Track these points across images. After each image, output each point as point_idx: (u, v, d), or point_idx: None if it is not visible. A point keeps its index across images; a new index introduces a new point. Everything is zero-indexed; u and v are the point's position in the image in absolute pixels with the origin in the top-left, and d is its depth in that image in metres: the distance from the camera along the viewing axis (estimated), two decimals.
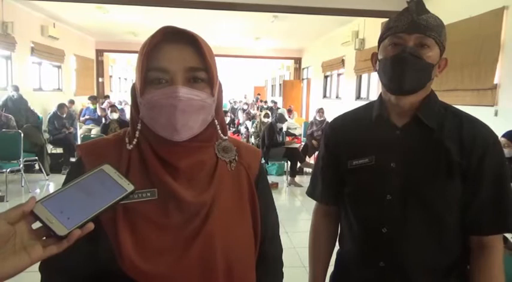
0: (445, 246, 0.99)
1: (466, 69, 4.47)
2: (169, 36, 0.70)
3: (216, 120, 0.77)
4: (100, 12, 7.89)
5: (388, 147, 1.01)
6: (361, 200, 1.06)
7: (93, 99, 8.94)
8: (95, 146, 0.77)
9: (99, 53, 12.89)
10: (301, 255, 3.32)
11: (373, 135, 1.05)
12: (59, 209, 0.55)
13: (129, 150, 0.74)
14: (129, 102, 0.80)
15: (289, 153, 6.24)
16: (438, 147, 0.97)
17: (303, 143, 7.56)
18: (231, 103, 15.95)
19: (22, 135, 5.17)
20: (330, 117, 7.18)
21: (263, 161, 5.86)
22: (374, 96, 7.30)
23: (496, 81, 4.14)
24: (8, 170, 4.94)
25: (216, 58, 0.76)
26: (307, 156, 7.11)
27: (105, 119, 7.34)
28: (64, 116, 6.90)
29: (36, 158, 5.82)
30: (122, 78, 18.72)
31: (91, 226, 0.55)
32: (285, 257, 0.92)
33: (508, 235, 2.38)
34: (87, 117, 8.57)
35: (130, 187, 0.61)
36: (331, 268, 1.19)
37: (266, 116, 7.25)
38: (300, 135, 8.41)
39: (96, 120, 8.30)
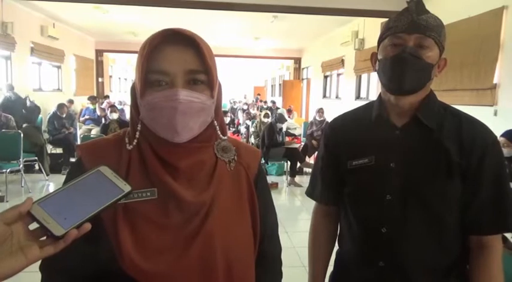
0: (445, 246, 0.99)
1: (465, 69, 4.47)
2: (170, 38, 0.70)
3: (215, 121, 0.78)
4: (99, 12, 7.89)
5: (387, 147, 1.01)
6: (361, 200, 1.06)
7: (93, 99, 8.94)
8: (95, 146, 0.77)
9: (99, 53, 12.90)
10: (301, 255, 3.33)
11: (372, 135, 1.05)
12: (55, 209, 0.55)
13: (129, 150, 0.74)
14: (129, 102, 0.80)
15: (289, 153, 6.25)
16: (438, 147, 0.97)
17: (303, 143, 7.57)
18: (231, 103, 15.96)
19: (22, 135, 5.17)
20: (329, 117, 7.18)
21: (263, 161, 5.87)
22: (374, 96, 7.29)
23: (495, 81, 4.14)
24: (7, 170, 4.94)
25: (215, 58, 0.76)
26: (307, 156, 7.11)
27: (105, 119, 7.34)
28: (64, 116, 6.90)
29: (36, 158, 5.82)
30: (122, 78, 18.73)
31: (88, 226, 0.55)
32: (285, 257, 0.92)
33: (507, 235, 2.39)
34: (86, 117, 8.57)
35: (127, 188, 0.61)
36: (330, 268, 1.19)
37: (266, 116, 7.26)
38: (300, 135, 8.42)
39: (96, 121, 8.30)
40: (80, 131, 7.82)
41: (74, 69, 10.77)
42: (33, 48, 8.07)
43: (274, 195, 0.93)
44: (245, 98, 19.28)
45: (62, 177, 5.66)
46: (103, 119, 7.76)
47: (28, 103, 7.17)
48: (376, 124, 1.05)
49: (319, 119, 7.47)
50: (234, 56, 13.32)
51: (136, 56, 0.74)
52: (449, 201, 0.97)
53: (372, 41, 7.18)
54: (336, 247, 1.19)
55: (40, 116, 7.87)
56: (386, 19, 1.03)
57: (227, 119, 9.96)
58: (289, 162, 6.23)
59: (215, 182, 0.76)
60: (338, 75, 9.91)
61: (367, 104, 1.14)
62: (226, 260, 0.72)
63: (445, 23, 0.99)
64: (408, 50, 0.94)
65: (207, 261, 0.71)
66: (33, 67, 8.49)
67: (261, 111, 9.43)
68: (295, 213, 4.94)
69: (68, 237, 0.54)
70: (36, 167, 6.06)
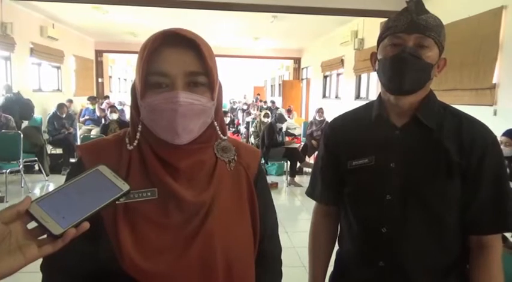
0: (445, 246, 0.99)
1: (465, 68, 4.48)
2: (170, 39, 0.69)
3: (215, 122, 0.78)
4: (99, 13, 7.89)
5: (387, 148, 1.01)
6: (361, 200, 1.06)
7: (93, 99, 8.94)
8: (95, 146, 0.78)
9: (99, 53, 12.89)
10: (301, 255, 3.33)
11: (372, 135, 1.05)
12: (54, 208, 0.55)
13: (129, 150, 0.75)
14: (129, 103, 0.80)
15: (289, 153, 6.25)
16: (437, 147, 0.97)
17: (303, 143, 7.57)
18: (230, 103, 15.96)
19: (22, 135, 5.17)
20: (329, 117, 7.18)
21: (262, 161, 5.87)
22: (373, 96, 7.30)
23: (494, 80, 4.14)
24: (7, 171, 4.94)
25: (215, 58, 0.76)
26: (306, 156, 7.11)
27: (105, 120, 7.33)
28: (64, 116, 6.89)
29: (36, 158, 5.82)
30: (122, 79, 18.72)
31: (86, 225, 0.56)
32: (285, 257, 0.92)
33: (507, 234, 2.39)
34: (86, 117, 8.57)
35: (125, 187, 0.61)
36: (330, 268, 1.20)
37: (266, 116, 7.26)
38: (300, 135, 8.42)
39: (96, 121, 8.30)
40: (79, 131, 7.82)
41: (73, 70, 10.76)
42: (32, 48, 8.06)
43: (274, 195, 0.93)
44: (245, 98, 19.27)
45: (61, 178, 5.67)
46: (103, 120, 7.76)
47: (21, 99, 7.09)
48: (376, 124, 1.05)
49: (318, 119, 7.48)
50: (234, 56, 13.31)
51: (136, 56, 0.73)
52: (449, 201, 0.97)
53: (371, 40, 7.18)
54: (336, 247, 1.20)
55: (40, 116, 7.87)
56: (386, 19, 1.03)
57: (227, 119, 9.96)
58: (289, 162, 6.23)
59: (215, 182, 0.76)
60: (338, 75, 9.91)
61: (367, 104, 1.14)
62: (226, 260, 0.73)
63: (444, 22, 0.99)
64: (408, 50, 0.94)
65: (207, 261, 0.71)
66: (33, 68, 8.49)
67: (260, 111, 9.44)
68: (295, 213, 4.94)
69: (67, 236, 0.54)
70: (36, 167, 6.06)
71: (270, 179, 6.04)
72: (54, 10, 8.00)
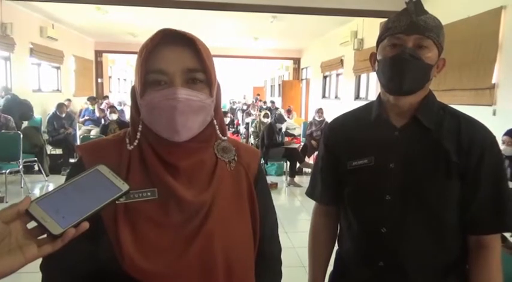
0: (444, 246, 1.00)
1: (464, 69, 4.48)
2: (168, 38, 0.71)
3: (214, 120, 0.78)
4: (99, 13, 7.88)
5: (387, 148, 1.02)
6: (361, 200, 1.06)
7: (92, 100, 8.94)
8: (96, 146, 0.78)
9: (98, 53, 12.88)
10: (301, 255, 3.33)
11: (372, 135, 1.05)
12: (54, 208, 0.55)
13: (129, 150, 0.75)
14: (129, 102, 0.81)
15: (289, 154, 6.25)
16: (437, 147, 0.98)
17: (302, 143, 7.57)
18: (230, 103, 15.96)
19: (21, 136, 5.17)
20: (329, 117, 7.19)
21: (262, 161, 5.86)
22: (373, 96, 7.31)
23: (494, 80, 4.14)
24: (7, 171, 4.94)
25: (215, 58, 0.76)
26: (306, 157, 7.11)
27: (104, 120, 7.33)
28: (63, 115, 6.89)
29: (36, 158, 5.82)
30: (121, 79, 18.71)
31: (86, 225, 0.56)
32: (285, 257, 0.92)
33: (507, 234, 2.39)
34: (86, 118, 8.57)
35: (125, 187, 0.62)
36: (330, 268, 1.20)
37: (266, 116, 7.26)
38: (299, 135, 8.42)
39: (96, 121, 8.30)
40: (79, 131, 7.82)
41: (73, 70, 10.76)
42: (32, 49, 8.06)
43: (273, 195, 0.93)
44: (244, 98, 19.28)
45: (61, 178, 5.67)
46: (102, 120, 7.75)
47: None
48: (376, 124, 1.05)
49: (318, 119, 7.48)
50: (234, 56, 13.32)
51: (135, 56, 0.74)
52: (449, 202, 0.98)
53: (371, 41, 7.18)
54: (336, 247, 1.20)
55: (39, 116, 7.86)
56: (385, 19, 1.03)
57: (227, 120, 9.96)
58: (288, 163, 6.24)
59: (215, 181, 0.76)
60: (337, 75, 9.91)
61: (366, 104, 1.14)
62: (226, 260, 0.73)
63: (443, 23, 0.99)
64: (407, 50, 0.94)
65: (207, 261, 0.71)
66: (33, 68, 8.48)
67: (260, 111, 9.44)
68: (294, 214, 4.94)
69: (66, 236, 0.54)
70: (36, 167, 6.06)
71: (269, 179, 6.04)
72: (54, 10, 7.99)
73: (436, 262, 1.00)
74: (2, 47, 6.93)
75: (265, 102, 13.33)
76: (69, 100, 8.72)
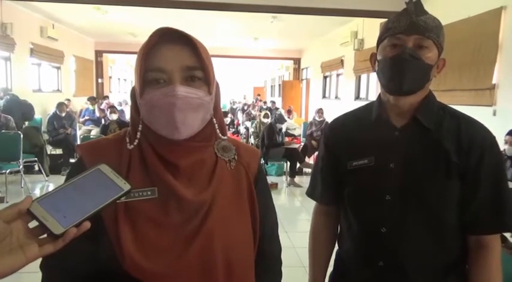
0: (444, 246, 1.00)
1: (464, 69, 4.48)
2: (166, 37, 0.72)
3: (214, 119, 0.78)
4: (99, 13, 7.89)
5: (387, 148, 1.02)
6: (361, 200, 1.06)
7: (93, 100, 8.94)
8: (96, 145, 0.78)
9: (99, 53, 12.89)
10: (301, 255, 3.33)
11: (372, 136, 1.05)
12: (55, 207, 0.55)
13: (129, 149, 0.75)
14: (129, 102, 0.81)
15: (289, 154, 6.25)
16: (437, 148, 0.98)
17: (303, 144, 7.57)
18: (231, 103, 15.96)
19: (22, 136, 5.17)
20: (329, 117, 7.19)
21: (262, 161, 5.86)
22: (373, 96, 7.31)
23: (494, 81, 4.14)
24: (7, 171, 4.94)
25: (215, 59, 0.77)
26: (306, 157, 7.11)
27: (104, 120, 7.34)
28: (63, 115, 6.89)
29: (36, 159, 5.82)
30: (122, 79, 18.71)
31: (87, 225, 0.56)
32: (285, 257, 0.92)
33: (507, 234, 2.39)
34: (86, 118, 8.57)
35: (126, 186, 0.61)
36: (330, 268, 1.20)
37: (266, 116, 7.26)
38: (300, 135, 8.42)
39: (96, 121, 8.30)
40: (79, 131, 7.83)
41: (73, 70, 10.76)
42: (32, 49, 8.07)
43: (274, 195, 0.93)
44: (245, 98, 19.28)
45: (61, 178, 5.67)
46: (102, 120, 7.75)
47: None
48: (376, 125, 1.05)
49: (318, 119, 7.48)
50: (234, 56, 13.30)
51: (135, 56, 0.75)
52: (449, 202, 0.98)
53: (371, 41, 7.18)
54: (336, 247, 1.20)
55: (40, 116, 7.86)
56: (386, 19, 1.04)
57: (227, 120, 9.95)
58: (288, 163, 6.24)
59: (215, 181, 0.76)
60: (337, 75, 9.91)
61: (366, 104, 1.14)
62: (226, 259, 0.73)
63: (443, 23, 0.99)
64: (407, 50, 0.94)
65: (207, 261, 0.71)
66: (33, 68, 8.49)
67: (260, 111, 9.44)
68: (294, 214, 4.94)
69: (67, 236, 0.54)
70: (36, 167, 6.06)
71: (269, 179, 6.03)
72: (54, 10, 8.00)
73: (436, 262, 1.00)
74: (2, 47, 6.94)
75: (265, 103, 13.33)
76: (68, 100, 8.72)
